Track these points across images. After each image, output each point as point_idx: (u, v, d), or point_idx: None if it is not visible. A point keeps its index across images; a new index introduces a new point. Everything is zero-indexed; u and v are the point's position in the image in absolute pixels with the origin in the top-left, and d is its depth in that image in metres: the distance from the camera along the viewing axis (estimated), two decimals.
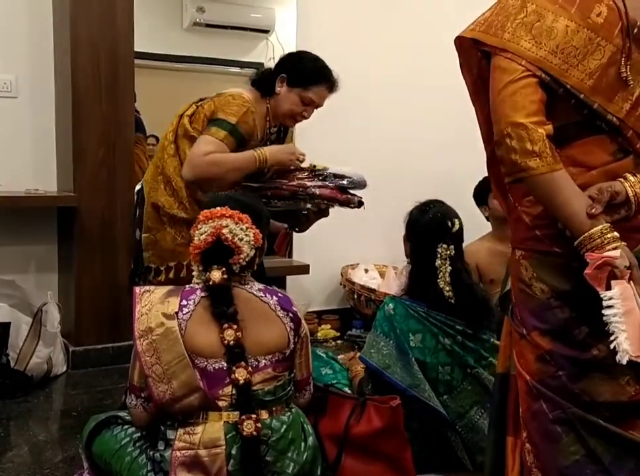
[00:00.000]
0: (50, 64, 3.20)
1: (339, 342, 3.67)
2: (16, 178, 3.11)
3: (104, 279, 3.10)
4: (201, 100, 2.45)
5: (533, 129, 1.28)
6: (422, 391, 1.96)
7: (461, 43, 1.47)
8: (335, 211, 2.58)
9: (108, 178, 3.07)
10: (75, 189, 3.04)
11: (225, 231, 1.71)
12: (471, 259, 2.84)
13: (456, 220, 2.09)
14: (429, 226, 2.13)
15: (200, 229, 1.74)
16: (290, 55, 2.50)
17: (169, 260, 2.37)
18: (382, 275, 3.96)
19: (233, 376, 1.67)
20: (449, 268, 2.07)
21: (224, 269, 1.72)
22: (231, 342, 1.68)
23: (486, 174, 3.16)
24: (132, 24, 3.07)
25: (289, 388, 1.80)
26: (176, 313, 1.71)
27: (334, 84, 2.41)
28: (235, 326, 1.69)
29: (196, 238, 1.75)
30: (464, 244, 3.20)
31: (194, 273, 1.81)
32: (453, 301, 2.06)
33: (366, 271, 3.96)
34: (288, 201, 2.37)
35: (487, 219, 3.19)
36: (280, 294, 1.85)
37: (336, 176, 2.40)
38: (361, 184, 2.46)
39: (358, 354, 2.23)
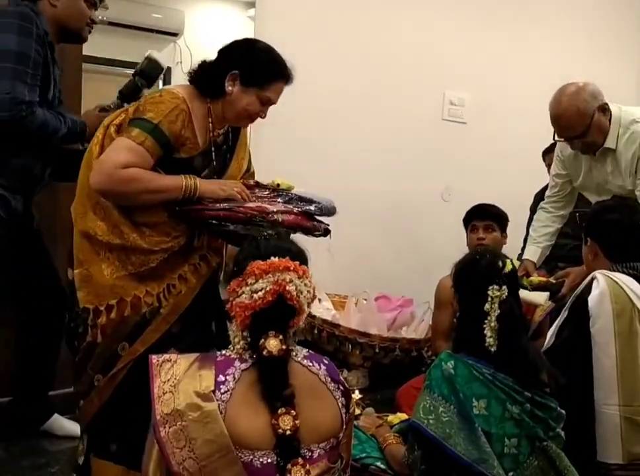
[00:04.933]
0: None
1: None
2: None
3: None
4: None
5: None
6: (490, 468, 1.68)
7: None
8: None
9: None
10: None
11: (290, 287, 1.40)
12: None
13: (508, 260, 1.85)
14: (479, 267, 1.87)
15: (254, 284, 1.41)
16: (238, 46, 2.04)
17: (109, 297, 1.93)
18: (335, 305, 3.70)
19: None
20: (497, 312, 1.80)
21: (282, 336, 1.40)
22: (287, 432, 1.35)
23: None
24: None
25: None
26: (213, 391, 1.37)
27: (290, 76, 2.08)
28: (293, 412, 1.37)
29: (245, 295, 1.42)
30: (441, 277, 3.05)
31: (235, 339, 1.47)
32: (493, 349, 1.79)
33: (319, 301, 3.68)
34: (244, 225, 1.97)
35: None
36: (325, 361, 1.54)
37: (302, 199, 2.08)
38: (330, 212, 2.12)
39: (389, 418, 1.94)
